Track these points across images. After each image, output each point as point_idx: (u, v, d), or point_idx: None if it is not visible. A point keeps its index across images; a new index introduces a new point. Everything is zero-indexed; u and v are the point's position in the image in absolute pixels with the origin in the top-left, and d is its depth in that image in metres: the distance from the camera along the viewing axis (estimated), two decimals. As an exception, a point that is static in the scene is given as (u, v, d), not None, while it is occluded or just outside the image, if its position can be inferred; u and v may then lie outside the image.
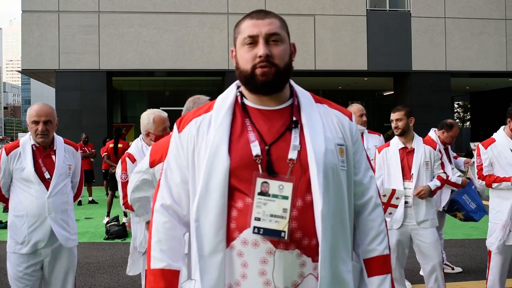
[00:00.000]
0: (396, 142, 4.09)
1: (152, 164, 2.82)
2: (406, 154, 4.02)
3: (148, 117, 3.52)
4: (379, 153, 4.13)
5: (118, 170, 3.54)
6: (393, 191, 3.81)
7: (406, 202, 3.92)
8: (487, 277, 4.03)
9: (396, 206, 3.84)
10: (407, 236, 3.99)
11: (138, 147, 3.57)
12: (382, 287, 1.50)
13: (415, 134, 4.12)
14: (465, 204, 4.94)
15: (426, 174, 3.97)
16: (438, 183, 3.99)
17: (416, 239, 3.94)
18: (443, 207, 5.12)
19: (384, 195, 3.80)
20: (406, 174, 3.96)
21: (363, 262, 1.53)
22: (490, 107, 24.05)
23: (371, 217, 1.54)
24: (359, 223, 1.55)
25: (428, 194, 3.91)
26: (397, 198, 3.81)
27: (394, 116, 4.05)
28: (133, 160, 3.46)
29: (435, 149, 4.05)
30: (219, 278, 1.37)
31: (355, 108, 4.77)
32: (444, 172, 4.14)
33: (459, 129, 5.46)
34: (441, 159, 4.13)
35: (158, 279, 1.43)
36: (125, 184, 3.41)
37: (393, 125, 4.07)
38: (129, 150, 3.59)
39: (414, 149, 4.01)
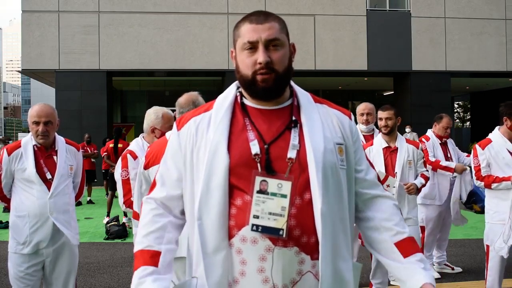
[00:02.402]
0: (380, 141, 4.12)
1: (146, 167, 2.81)
2: (390, 153, 4.08)
3: (156, 113, 3.51)
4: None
5: (118, 168, 3.48)
6: (386, 176, 3.87)
7: None
8: (486, 277, 4.03)
9: None
10: None
11: (139, 145, 3.55)
12: (420, 262, 1.48)
13: (398, 134, 4.17)
14: (483, 195, 4.98)
15: (409, 172, 4.04)
16: (423, 181, 4.07)
17: None
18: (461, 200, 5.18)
19: None
20: (389, 172, 4.00)
21: (395, 245, 1.51)
22: (490, 107, 24.00)
23: (388, 204, 1.56)
24: (376, 212, 1.54)
25: (415, 190, 3.98)
26: (388, 185, 3.86)
27: (384, 114, 4.07)
28: (135, 157, 3.41)
29: (417, 148, 4.12)
30: (223, 274, 1.38)
31: (359, 106, 4.82)
32: (427, 170, 4.22)
33: (451, 120, 5.45)
34: (423, 158, 4.21)
35: (137, 261, 1.45)
36: (126, 182, 3.37)
37: (382, 123, 4.08)
38: (130, 148, 3.55)
39: (397, 148, 4.06)
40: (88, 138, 11.66)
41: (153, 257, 1.44)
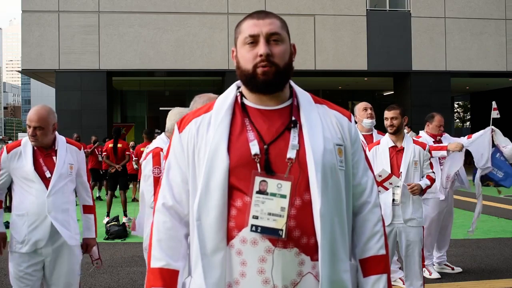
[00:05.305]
0: (387, 141, 4.13)
1: None
2: (396, 152, 4.07)
3: (181, 113, 3.57)
4: (369, 151, 4.16)
5: (149, 164, 3.41)
6: (390, 175, 3.85)
7: (393, 200, 3.96)
8: None
9: (386, 188, 3.88)
10: (394, 234, 4.04)
11: (165, 142, 3.55)
12: (376, 285, 1.50)
13: (406, 134, 4.17)
14: (493, 175, 5.04)
15: (414, 173, 4.02)
16: (428, 182, 4.05)
17: (402, 236, 4.01)
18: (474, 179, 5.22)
19: (380, 176, 3.84)
20: (395, 172, 3.99)
21: (359, 262, 1.53)
22: (490, 107, 23.97)
23: (368, 217, 1.54)
24: (356, 223, 1.55)
25: (419, 191, 3.96)
26: (390, 183, 3.86)
27: (389, 114, 4.08)
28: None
29: (424, 149, 4.10)
30: (221, 276, 1.38)
31: (359, 104, 4.84)
32: (433, 172, 4.19)
33: (442, 118, 5.45)
34: (430, 159, 4.18)
35: (157, 278, 1.45)
36: (157, 179, 3.30)
37: (388, 123, 4.09)
38: (158, 145, 3.50)
39: (404, 148, 4.06)
40: (77, 138, 11.55)
41: (172, 278, 1.45)
